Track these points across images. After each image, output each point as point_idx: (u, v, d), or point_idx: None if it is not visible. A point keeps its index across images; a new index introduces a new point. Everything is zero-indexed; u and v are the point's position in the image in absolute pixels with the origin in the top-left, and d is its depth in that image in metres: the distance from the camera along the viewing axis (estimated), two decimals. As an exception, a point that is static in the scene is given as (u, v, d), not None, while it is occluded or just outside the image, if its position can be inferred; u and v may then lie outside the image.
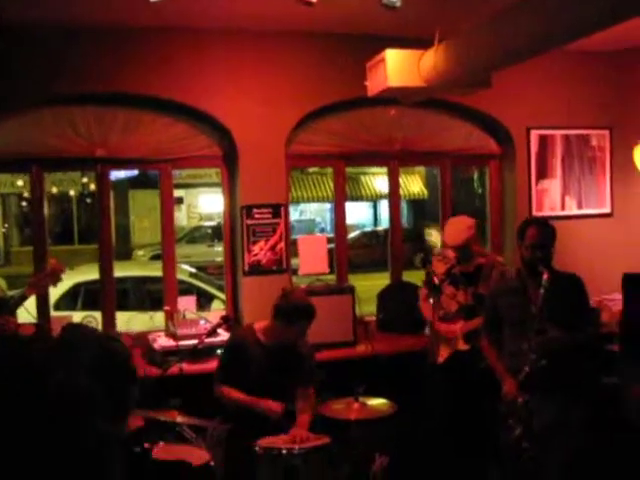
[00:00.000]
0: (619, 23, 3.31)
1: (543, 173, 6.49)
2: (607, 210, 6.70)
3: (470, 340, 5.04)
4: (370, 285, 8.30)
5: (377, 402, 4.20)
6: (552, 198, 6.53)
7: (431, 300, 5.08)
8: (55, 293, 7.55)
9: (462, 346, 5.05)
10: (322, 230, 23.90)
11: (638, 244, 6.48)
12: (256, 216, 5.67)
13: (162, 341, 5.22)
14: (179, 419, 3.90)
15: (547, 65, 6.13)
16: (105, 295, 5.68)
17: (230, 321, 5.19)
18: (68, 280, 8.64)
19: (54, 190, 21.12)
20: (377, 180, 23.71)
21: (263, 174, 5.66)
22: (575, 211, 6.60)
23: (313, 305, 4.36)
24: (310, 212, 27.72)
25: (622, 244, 6.59)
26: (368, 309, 6.18)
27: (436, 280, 4.70)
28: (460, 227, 5.16)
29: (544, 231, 4.38)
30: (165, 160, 5.69)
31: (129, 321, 6.17)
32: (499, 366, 4.44)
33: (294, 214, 26.74)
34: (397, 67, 4.74)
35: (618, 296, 5.32)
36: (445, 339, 5.04)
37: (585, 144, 6.63)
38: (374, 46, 4.88)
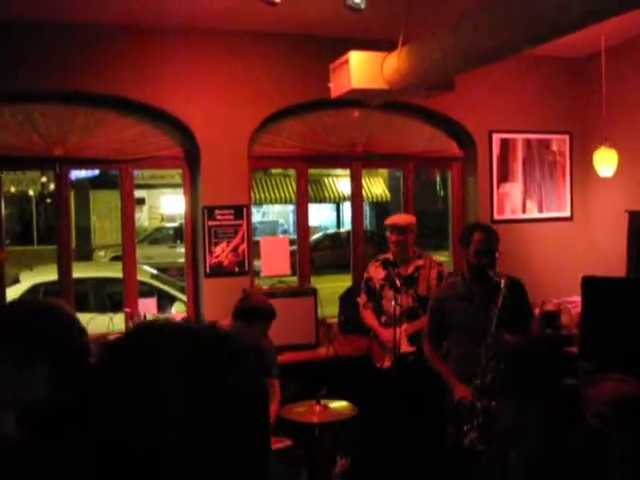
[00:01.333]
0: (581, 29, 3.34)
1: (504, 177, 6.54)
2: (567, 214, 6.78)
3: (415, 341, 5.08)
4: (333, 287, 8.31)
5: (339, 404, 4.18)
6: (513, 201, 6.58)
7: (370, 305, 5.26)
8: (14, 294, 7.41)
9: (407, 348, 5.09)
10: (285, 231, 23.84)
11: (597, 247, 6.57)
12: (218, 217, 5.63)
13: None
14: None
15: (510, 70, 6.19)
16: (64, 296, 5.58)
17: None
18: (27, 281, 8.49)
19: (12, 190, 20.79)
20: (340, 182, 23.73)
21: (225, 175, 5.62)
22: (536, 214, 6.66)
23: (272, 306, 4.43)
24: (273, 213, 27.65)
25: (581, 247, 6.67)
26: (331, 311, 6.18)
27: (378, 284, 4.80)
28: (403, 215, 5.57)
29: (489, 236, 4.41)
30: (125, 160, 5.62)
31: (88, 323, 6.05)
32: (446, 370, 4.44)
33: (257, 215, 26.65)
34: (361, 69, 4.73)
35: (577, 299, 5.38)
36: (387, 345, 5.05)
37: (546, 148, 6.70)
38: (338, 48, 4.87)
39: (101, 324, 5.71)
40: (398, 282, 4.78)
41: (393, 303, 4.71)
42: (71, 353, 1.86)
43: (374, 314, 5.31)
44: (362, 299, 5.43)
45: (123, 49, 5.35)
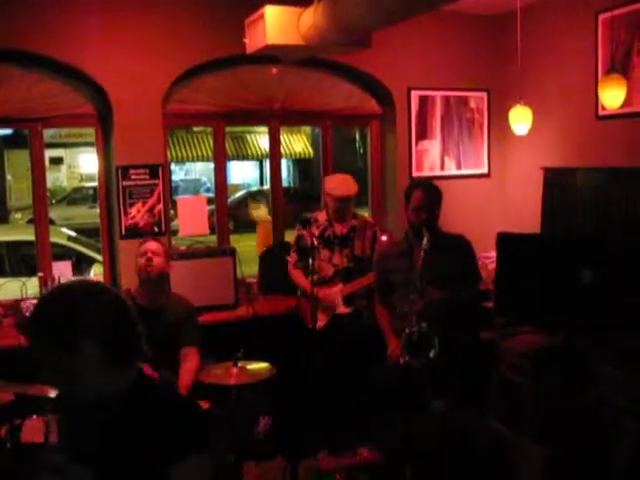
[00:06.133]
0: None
1: (423, 134, 6.56)
2: (484, 171, 6.86)
3: (350, 303, 5.08)
4: (255, 245, 8.25)
5: (256, 366, 4.16)
6: (431, 158, 6.62)
7: (301, 265, 5.14)
8: None
9: (343, 309, 5.08)
10: (208, 190, 23.52)
11: (513, 204, 6.69)
12: (133, 177, 5.47)
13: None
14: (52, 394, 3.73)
15: (427, 27, 6.17)
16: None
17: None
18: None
19: None
20: (263, 139, 23.49)
21: (139, 133, 5.45)
22: (454, 171, 6.72)
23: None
24: (195, 172, 27.29)
25: (498, 204, 6.78)
26: (252, 270, 6.14)
27: (315, 242, 4.69)
28: (347, 180, 5.22)
29: (428, 193, 4.43)
30: (34, 119, 5.38)
31: (1, 288, 5.87)
32: (385, 327, 4.53)
33: (179, 173, 26.28)
34: (276, 24, 4.64)
35: (494, 254, 5.46)
36: (324, 304, 5.02)
37: (464, 106, 6.74)
38: (254, 2, 4.75)
39: (14, 290, 5.53)
40: (315, 241, 4.70)
41: (309, 261, 4.64)
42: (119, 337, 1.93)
43: (305, 273, 5.21)
44: (292, 258, 5.31)
45: (31, 2, 5.09)
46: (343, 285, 5.09)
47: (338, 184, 5.18)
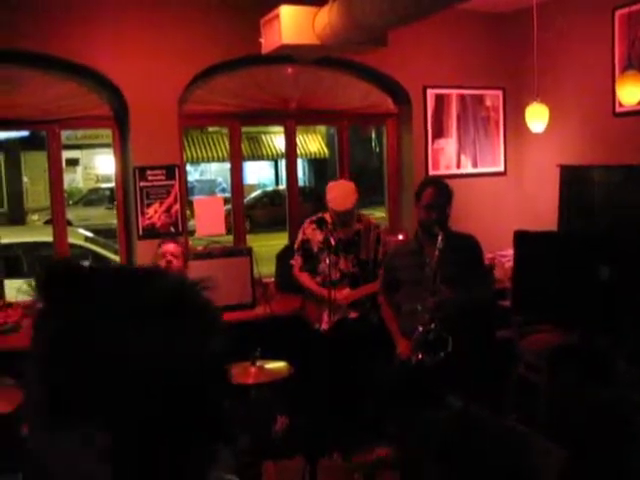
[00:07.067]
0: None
1: (439, 132, 6.55)
2: (500, 169, 6.84)
3: (357, 308, 5.07)
4: (271, 245, 8.27)
5: (274, 365, 4.17)
6: (448, 157, 6.60)
7: (306, 268, 5.18)
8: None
9: (349, 314, 5.06)
10: (223, 190, 23.58)
11: (529, 201, 6.66)
12: (149, 178, 5.50)
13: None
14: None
15: (443, 25, 6.16)
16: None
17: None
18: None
19: None
20: (278, 139, 23.53)
21: (155, 134, 5.47)
22: (470, 170, 6.70)
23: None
24: (211, 172, 27.35)
25: (514, 202, 6.76)
26: (268, 270, 6.15)
27: (333, 240, 4.70)
28: (347, 190, 5.09)
29: (440, 192, 4.42)
30: (52, 121, 5.42)
31: (20, 289, 5.92)
32: (393, 326, 4.52)
33: (194, 174, 26.34)
34: (292, 24, 4.65)
35: (511, 252, 5.45)
36: (329, 305, 4.89)
37: (479, 104, 6.73)
38: (269, 1, 4.76)
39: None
40: (332, 241, 4.72)
41: (327, 261, 4.66)
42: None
43: (310, 276, 5.23)
44: (297, 261, 5.27)
45: (46, 5, 5.12)
46: (350, 289, 5.07)
47: (335, 197, 5.06)
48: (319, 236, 5.12)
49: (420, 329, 4.12)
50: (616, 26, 5.50)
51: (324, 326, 5.00)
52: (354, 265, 5.10)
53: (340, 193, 5.08)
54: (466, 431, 3.57)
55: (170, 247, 4.46)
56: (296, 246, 5.34)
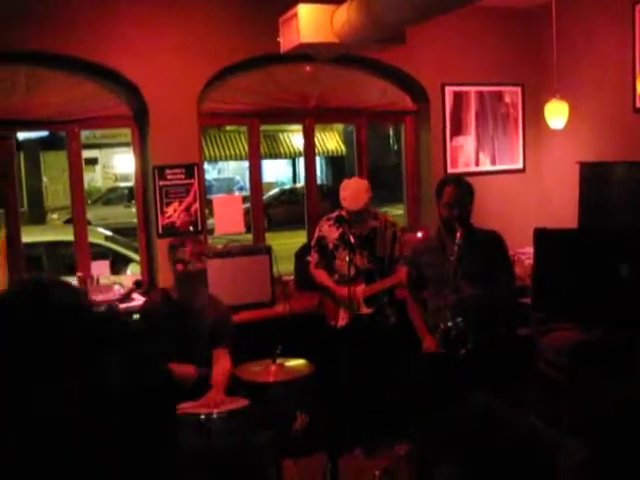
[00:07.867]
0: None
1: (458, 129, 6.53)
2: (519, 166, 6.81)
3: (372, 304, 5.08)
4: (290, 243, 8.27)
5: (295, 363, 4.18)
6: (466, 154, 6.59)
7: (323, 265, 5.22)
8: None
9: (364, 310, 5.07)
10: (241, 189, 23.65)
11: (549, 199, 6.63)
12: (169, 177, 5.53)
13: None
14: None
15: (461, 22, 6.15)
16: (13, 262, 5.46)
17: (142, 286, 5.12)
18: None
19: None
20: (295, 137, 23.56)
21: (175, 133, 5.50)
22: (489, 167, 6.68)
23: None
24: (229, 170, 27.41)
25: (534, 199, 6.73)
26: (287, 268, 6.16)
27: (352, 239, 4.71)
28: (359, 189, 5.10)
29: (461, 189, 4.43)
30: (72, 121, 5.46)
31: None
32: (419, 323, 4.54)
33: (212, 172, 26.41)
34: (310, 23, 4.65)
35: (530, 250, 5.42)
36: (345, 303, 4.92)
37: (498, 101, 6.70)
38: (287, 0, 4.77)
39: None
40: (352, 239, 4.74)
41: (347, 259, 4.66)
42: None
43: (327, 273, 5.25)
44: (313, 258, 5.30)
45: (66, 5, 5.16)
46: (365, 285, 5.08)
47: (348, 196, 5.08)
48: (335, 233, 5.16)
49: (442, 326, 4.13)
50: (636, 21, 5.47)
51: (341, 323, 5.03)
52: (369, 261, 5.11)
53: (352, 193, 5.09)
54: (487, 429, 3.56)
55: (186, 251, 4.45)
56: (312, 243, 5.40)
